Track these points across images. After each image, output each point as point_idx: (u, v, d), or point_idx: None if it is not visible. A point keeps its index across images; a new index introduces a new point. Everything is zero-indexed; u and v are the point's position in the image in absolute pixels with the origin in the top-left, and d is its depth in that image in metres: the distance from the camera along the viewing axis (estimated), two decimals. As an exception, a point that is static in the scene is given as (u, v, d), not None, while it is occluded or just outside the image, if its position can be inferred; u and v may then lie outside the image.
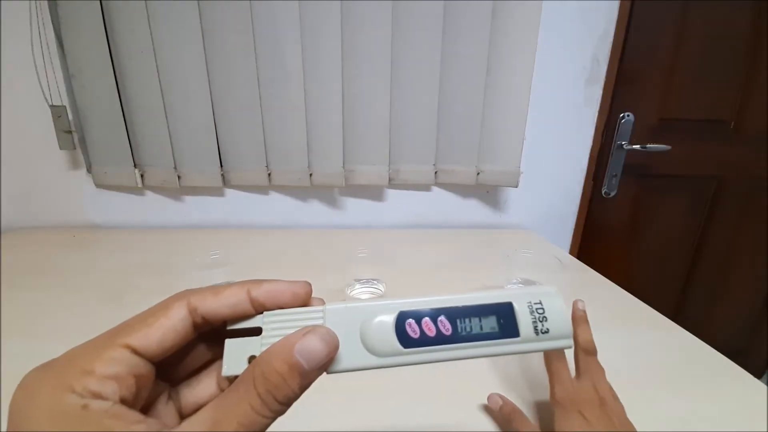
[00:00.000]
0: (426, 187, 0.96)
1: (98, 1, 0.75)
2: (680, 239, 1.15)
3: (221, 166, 0.89)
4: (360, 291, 0.60)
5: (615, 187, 1.05)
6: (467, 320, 0.18)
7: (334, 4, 0.78)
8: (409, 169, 0.92)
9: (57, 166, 0.90)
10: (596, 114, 0.97)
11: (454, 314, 0.18)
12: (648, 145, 0.99)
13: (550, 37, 0.88)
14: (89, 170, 0.89)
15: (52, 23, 0.77)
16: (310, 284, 0.19)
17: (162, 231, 0.93)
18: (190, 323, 0.17)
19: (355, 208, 1.00)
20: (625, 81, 0.96)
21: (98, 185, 0.91)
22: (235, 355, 0.17)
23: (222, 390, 0.18)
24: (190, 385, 0.18)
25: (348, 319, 0.18)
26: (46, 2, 0.76)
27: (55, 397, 0.13)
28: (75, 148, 0.87)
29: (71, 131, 0.85)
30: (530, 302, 0.19)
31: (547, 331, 0.18)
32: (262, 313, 0.18)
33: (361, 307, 0.18)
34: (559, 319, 0.19)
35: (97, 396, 0.14)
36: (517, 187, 0.95)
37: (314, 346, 0.16)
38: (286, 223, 0.99)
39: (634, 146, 1.00)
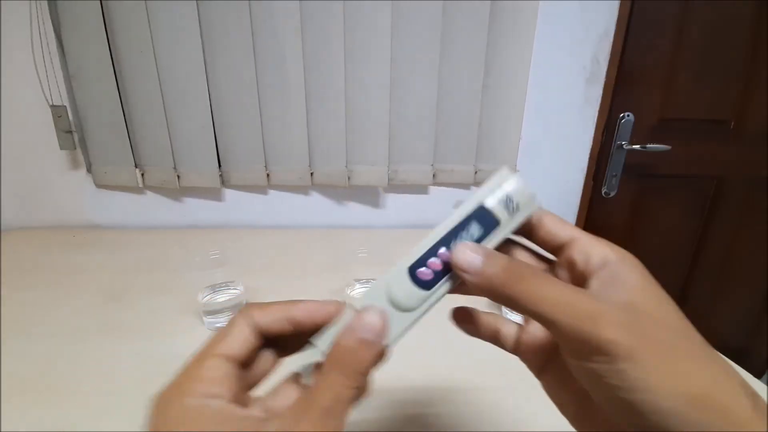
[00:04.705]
0: (425, 187, 0.96)
1: (98, 1, 0.75)
2: (680, 239, 1.15)
3: (219, 166, 0.89)
4: (360, 291, 0.60)
5: (615, 187, 1.05)
6: (458, 239, 0.20)
7: (336, 5, 0.78)
8: (409, 168, 0.92)
9: (57, 166, 0.90)
10: (596, 114, 0.97)
11: (447, 241, 0.20)
12: (648, 145, 0.99)
13: (551, 36, 0.88)
14: (89, 170, 0.89)
15: (52, 23, 0.77)
16: (341, 302, 0.21)
17: (162, 231, 0.93)
18: (254, 333, 0.20)
19: (356, 208, 1.00)
20: (625, 81, 0.96)
21: (98, 185, 0.91)
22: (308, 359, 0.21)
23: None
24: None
25: (375, 297, 0.20)
26: (46, 2, 0.76)
27: (179, 405, 0.17)
28: (75, 148, 0.87)
29: (71, 131, 0.85)
30: (494, 191, 0.20)
31: (517, 207, 0.20)
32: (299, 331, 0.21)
33: (379, 283, 0.21)
34: (521, 192, 0.20)
35: (213, 397, 0.17)
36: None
37: (369, 319, 0.19)
38: (286, 223, 0.99)
39: (634, 146, 1.00)
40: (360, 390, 0.18)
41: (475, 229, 0.20)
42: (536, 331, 0.23)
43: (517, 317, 0.26)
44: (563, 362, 0.21)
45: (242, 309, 0.20)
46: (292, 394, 0.21)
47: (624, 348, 0.15)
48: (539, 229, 0.21)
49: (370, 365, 0.18)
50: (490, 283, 0.18)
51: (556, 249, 0.21)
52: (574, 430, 0.22)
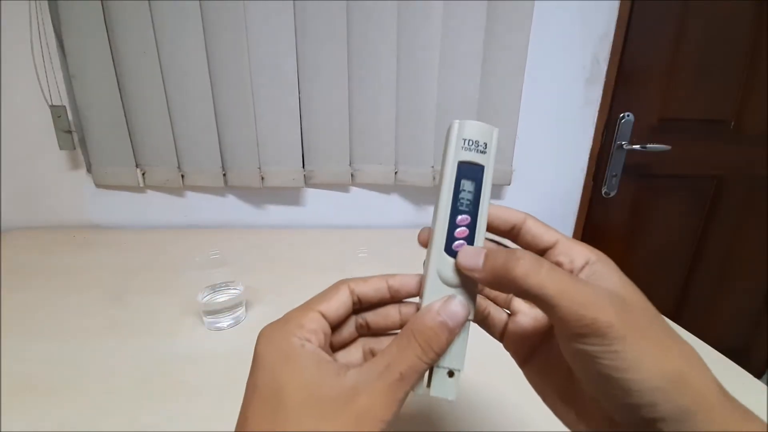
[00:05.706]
0: (425, 188, 0.96)
1: (99, 1, 0.75)
2: (680, 239, 1.15)
3: (222, 166, 0.89)
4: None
5: (615, 187, 1.05)
6: (459, 202, 0.21)
7: (339, 4, 0.78)
8: (409, 169, 0.92)
9: (57, 166, 0.90)
10: (596, 114, 0.97)
11: (455, 209, 0.21)
12: (648, 145, 0.99)
13: (550, 36, 0.88)
14: (89, 170, 0.89)
15: (52, 23, 0.77)
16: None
17: (162, 231, 0.93)
18: (351, 300, 0.22)
19: (355, 208, 1.00)
20: (625, 81, 0.96)
21: (98, 185, 0.91)
22: None
23: (365, 359, 0.24)
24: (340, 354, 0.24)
25: (438, 289, 0.22)
26: (46, 2, 0.76)
27: (284, 340, 0.20)
28: (75, 148, 0.87)
29: (71, 131, 0.85)
30: (458, 145, 0.21)
31: (485, 145, 0.21)
32: (395, 298, 0.23)
33: (431, 274, 0.21)
34: (479, 130, 0.21)
35: (308, 341, 0.20)
36: (509, 184, 0.96)
37: (455, 308, 0.21)
38: (286, 223, 0.99)
39: (634, 146, 1.00)
40: (426, 369, 0.20)
41: (468, 185, 0.21)
42: (522, 322, 0.25)
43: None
44: (547, 353, 0.24)
45: (341, 280, 0.23)
46: (356, 353, 0.24)
47: (619, 330, 0.17)
48: (525, 233, 0.23)
49: (443, 348, 0.20)
50: (496, 273, 0.19)
51: (541, 252, 0.22)
52: (567, 430, 0.22)
